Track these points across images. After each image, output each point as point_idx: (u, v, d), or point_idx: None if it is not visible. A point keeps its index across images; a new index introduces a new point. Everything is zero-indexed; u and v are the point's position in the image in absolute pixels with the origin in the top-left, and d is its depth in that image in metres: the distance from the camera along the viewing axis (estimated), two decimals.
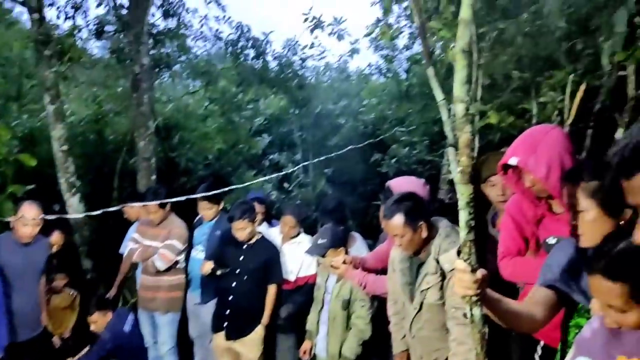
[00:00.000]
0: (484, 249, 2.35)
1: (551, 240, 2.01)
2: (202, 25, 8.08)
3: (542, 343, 2.05)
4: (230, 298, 3.56)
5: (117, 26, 6.96)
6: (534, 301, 1.57)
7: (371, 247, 3.38)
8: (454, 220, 2.40)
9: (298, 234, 3.77)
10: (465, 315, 2.09)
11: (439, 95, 1.56)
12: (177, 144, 7.57)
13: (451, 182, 4.98)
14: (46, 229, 3.64)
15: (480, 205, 2.63)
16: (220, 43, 8.22)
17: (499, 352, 2.20)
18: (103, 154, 7.18)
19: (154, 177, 5.75)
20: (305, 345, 3.37)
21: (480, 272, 1.36)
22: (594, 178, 1.46)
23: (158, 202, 3.65)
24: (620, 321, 1.21)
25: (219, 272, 3.61)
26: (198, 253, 4.00)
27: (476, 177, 2.46)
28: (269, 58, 8.10)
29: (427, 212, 2.37)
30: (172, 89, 9.62)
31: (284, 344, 3.72)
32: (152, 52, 6.83)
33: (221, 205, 4.08)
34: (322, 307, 3.23)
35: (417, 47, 7.82)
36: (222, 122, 8.42)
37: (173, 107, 8.12)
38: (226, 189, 3.76)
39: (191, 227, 4.15)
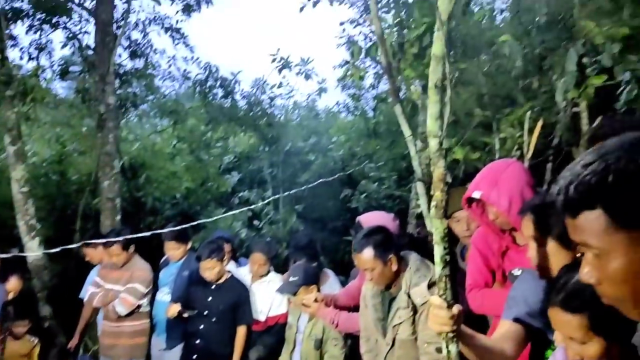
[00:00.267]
0: (454, 282, 2.36)
1: (516, 272, 2.04)
2: (170, 66, 8.14)
3: None
4: (197, 342, 3.43)
5: (83, 66, 6.92)
6: (502, 336, 1.57)
7: (343, 284, 3.35)
8: (423, 254, 2.42)
9: (268, 272, 3.71)
10: (438, 350, 2.08)
11: (406, 131, 1.60)
12: (143, 183, 7.44)
13: (419, 216, 5.04)
14: (2, 274, 3.46)
15: (450, 239, 2.66)
16: (189, 82, 8.27)
17: None
18: (65, 195, 6.98)
19: (118, 217, 5.61)
20: None
21: (457, 308, 1.35)
22: (549, 211, 1.50)
23: (121, 239, 3.55)
24: (581, 353, 1.21)
25: (186, 315, 3.48)
26: (163, 296, 3.86)
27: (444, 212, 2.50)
28: (237, 97, 8.19)
29: (396, 246, 2.38)
30: (139, 127, 9.53)
31: None
32: (118, 91, 6.79)
33: (189, 245, 3.98)
34: (294, 348, 3.15)
35: (383, 86, 8.06)
36: (190, 160, 8.36)
37: (140, 146, 8.03)
38: (194, 222, 3.69)
39: (156, 269, 4.03)
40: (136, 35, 7.57)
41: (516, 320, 1.58)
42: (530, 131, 3.45)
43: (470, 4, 4.05)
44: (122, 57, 7.28)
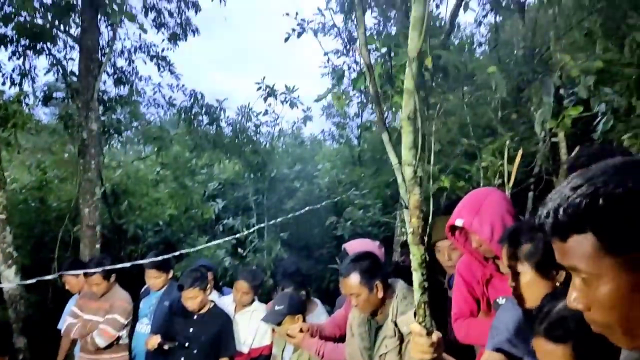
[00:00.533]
0: (445, 312, 2.36)
1: (501, 300, 2.05)
2: (155, 93, 8.15)
3: None
4: None
5: (66, 93, 6.88)
6: None
7: (329, 313, 3.31)
8: (409, 283, 2.42)
9: (252, 302, 3.64)
10: None
11: (393, 159, 1.62)
12: (125, 210, 7.33)
13: (405, 244, 5.05)
14: None
15: (438, 268, 2.67)
16: (174, 109, 8.27)
17: None
18: (44, 222, 6.84)
19: (98, 245, 5.50)
20: None
21: (436, 335, 1.34)
22: (528, 241, 1.52)
23: (100, 270, 3.46)
24: None
25: (166, 347, 3.38)
26: (143, 327, 3.76)
27: (429, 240, 2.51)
28: (223, 124, 8.21)
29: (383, 272, 2.37)
30: (122, 154, 9.46)
31: None
32: (102, 118, 6.75)
33: (170, 274, 3.91)
34: None
35: (367, 115, 8.20)
36: (174, 187, 8.29)
37: (122, 172, 7.95)
38: (176, 252, 3.63)
39: (137, 298, 3.93)
40: (121, 62, 7.63)
41: (498, 350, 1.58)
42: (511, 160, 3.53)
43: (450, 37, 4.18)
44: (106, 83, 7.30)
